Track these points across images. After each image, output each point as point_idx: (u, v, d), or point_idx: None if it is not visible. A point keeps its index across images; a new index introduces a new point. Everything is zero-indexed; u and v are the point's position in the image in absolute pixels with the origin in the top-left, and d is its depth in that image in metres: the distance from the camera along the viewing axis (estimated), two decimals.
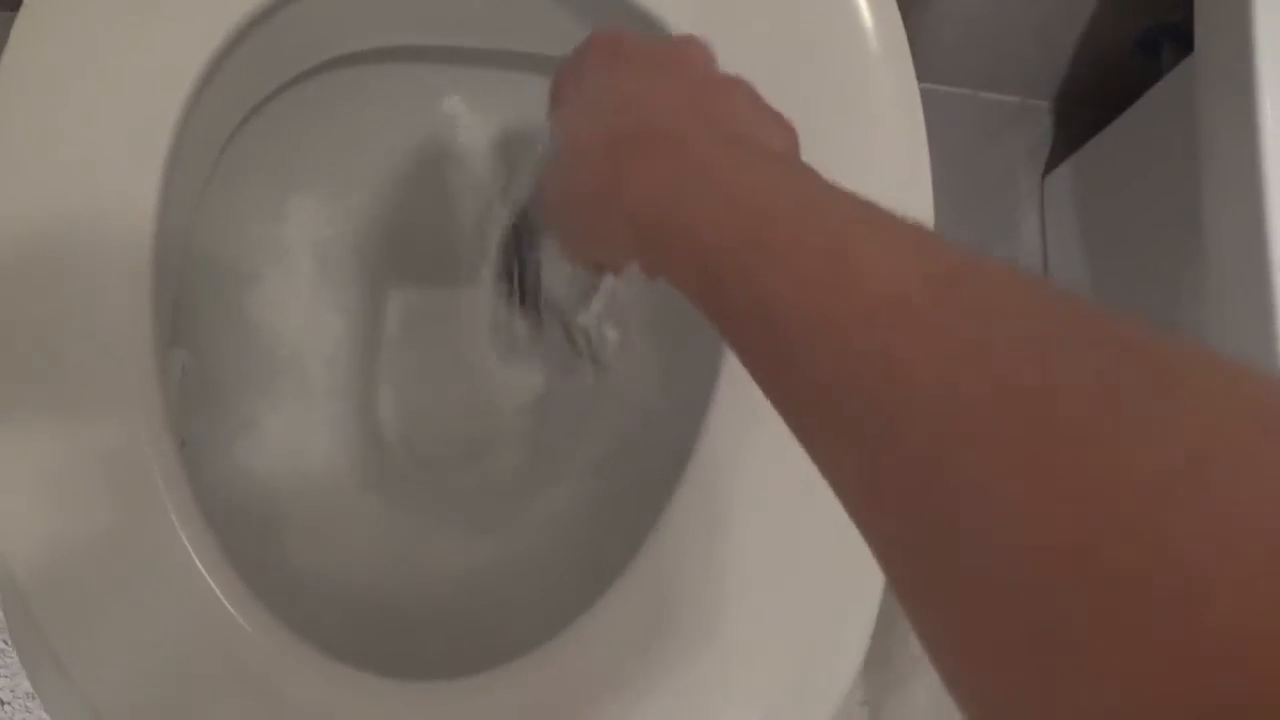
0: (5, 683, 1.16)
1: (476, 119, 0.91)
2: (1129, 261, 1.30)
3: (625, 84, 0.49)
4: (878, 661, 1.32)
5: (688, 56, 0.51)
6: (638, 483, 0.84)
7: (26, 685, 1.15)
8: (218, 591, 0.63)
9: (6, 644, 1.15)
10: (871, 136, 0.73)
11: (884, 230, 0.35)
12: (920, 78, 0.73)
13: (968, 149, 1.47)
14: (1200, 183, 1.01)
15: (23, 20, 0.67)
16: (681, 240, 0.39)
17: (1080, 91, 1.48)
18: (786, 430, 0.66)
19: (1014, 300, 0.31)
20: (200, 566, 0.63)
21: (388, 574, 0.84)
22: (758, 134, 0.46)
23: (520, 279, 0.63)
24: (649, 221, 0.41)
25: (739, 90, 0.49)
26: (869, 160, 0.72)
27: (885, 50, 0.73)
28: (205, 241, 0.80)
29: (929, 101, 0.73)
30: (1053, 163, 1.49)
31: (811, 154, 0.71)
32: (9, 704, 1.15)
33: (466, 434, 0.93)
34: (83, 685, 0.62)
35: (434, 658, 0.75)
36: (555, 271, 0.61)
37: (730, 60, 0.70)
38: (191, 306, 0.78)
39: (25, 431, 0.63)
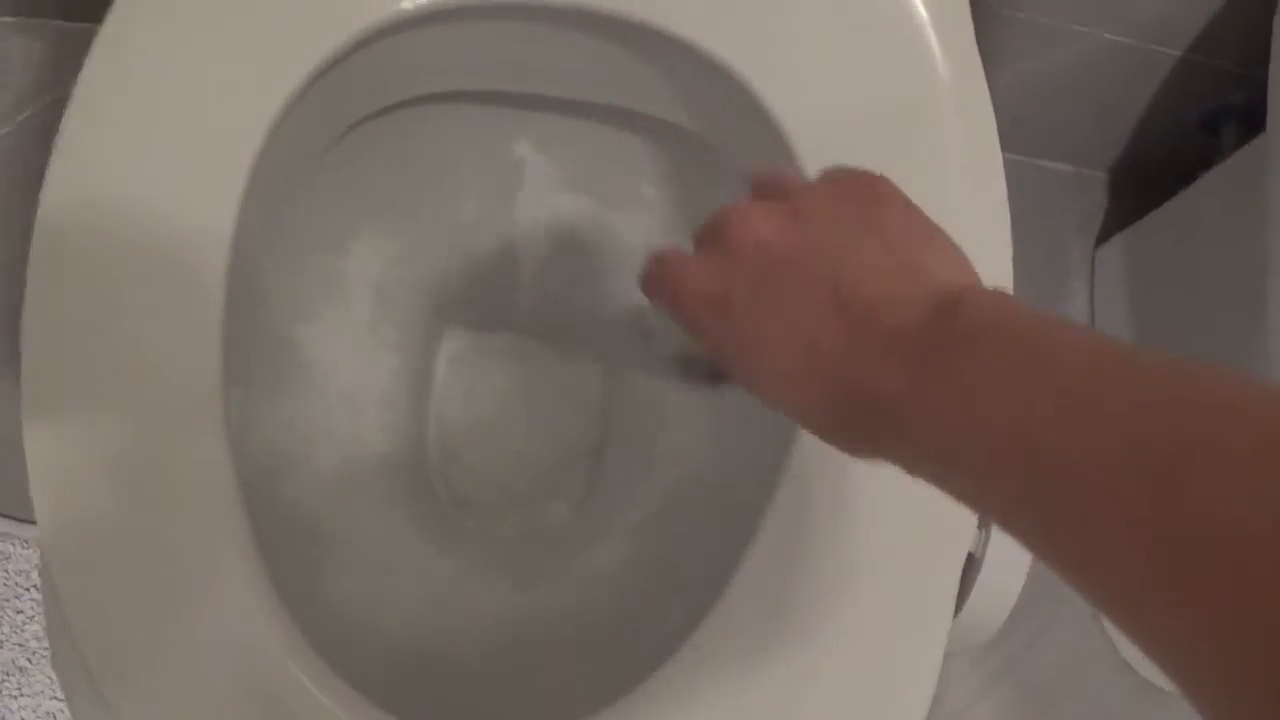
0: (29, 702, 1.15)
1: (545, 164, 0.90)
2: (1181, 339, 1.29)
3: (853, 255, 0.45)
4: None
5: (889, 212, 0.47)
6: (686, 546, 0.84)
7: (48, 705, 1.15)
8: (267, 631, 0.62)
9: (30, 663, 1.15)
10: (954, 204, 0.72)
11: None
12: None
13: (1022, 216, 1.43)
14: (1268, 267, 1.00)
15: (102, 43, 0.67)
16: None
17: (1137, 165, 1.47)
18: (855, 509, 0.66)
19: None
20: (251, 604, 0.62)
21: (431, 620, 0.84)
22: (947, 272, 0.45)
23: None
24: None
25: (924, 225, 0.47)
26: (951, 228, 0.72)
27: (967, 111, 0.73)
28: (268, 273, 0.79)
29: None
30: (1105, 234, 1.48)
31: None
32: None
33: (516, 484, 0.92)
34: (123, 716, 0.61)
35: (471, 711, 0.74)
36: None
37: (806, 121, 0.69)
38: (249, 337, 0.77)
39: (84, 455, 0.63)
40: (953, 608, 0.67)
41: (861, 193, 0.48)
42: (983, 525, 0.68)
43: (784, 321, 0.45)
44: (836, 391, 0.43)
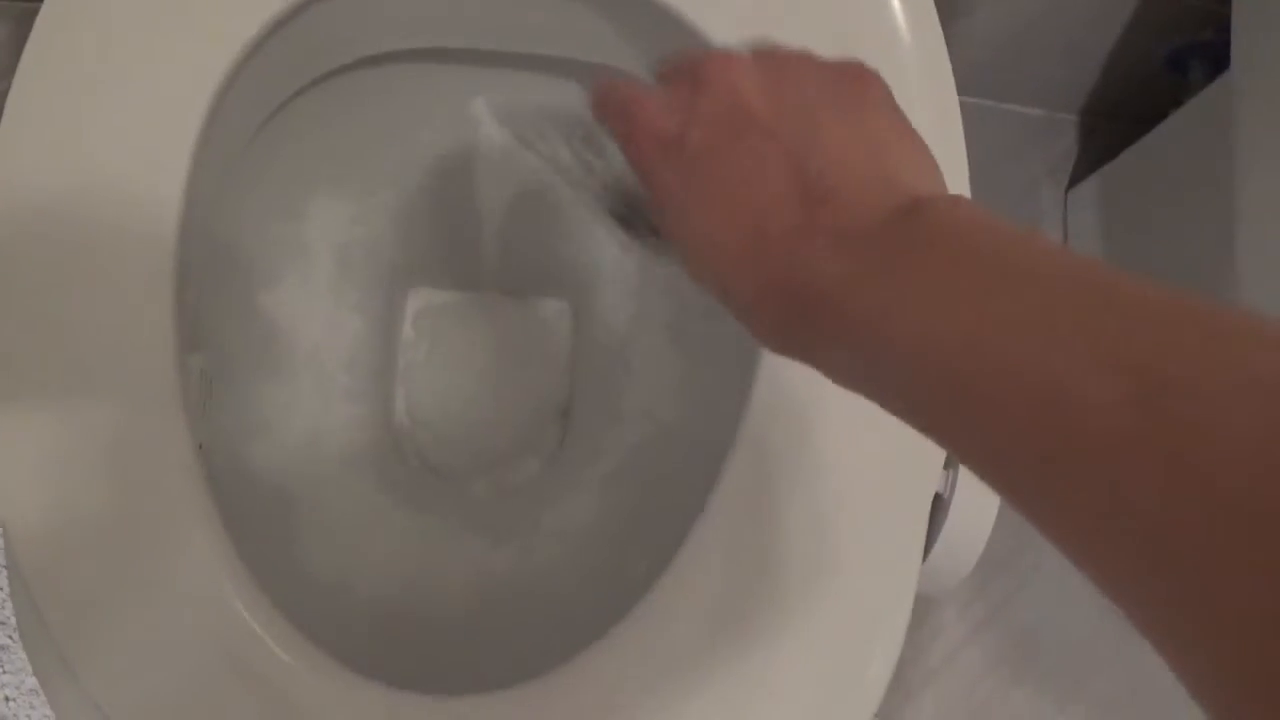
0: (10, 679, 1.15)
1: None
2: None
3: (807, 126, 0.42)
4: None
5: (870, 91, 0.44)
6: (655, 496, 0.83)
7: (31, 682, 1.14)
8: (232, 595, 0.62)
9: (13, 640, 1.14)
10: None
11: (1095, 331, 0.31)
12: None
13: (992, 161, 1.46)
14: (1234, 203, 1.00)
15: (46, 16, 0.66)
16: (906, 355, 0.35)
17: (1106, 106, 1.47)
18: (818, 452, 0.65)
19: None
20: (215, 570, 0.62)
21: (402, 580, 0.83)
22: (917, 180, 0.41)
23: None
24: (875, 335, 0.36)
25: (904, 130, 0.44)
26: None
27: (924, 62, 0.72)
28: (225, 240, 0.79)
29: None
30: (1077, 177, 1.48)
31: None
32: (14, 700, 1.14)
33: (486, 444, 0.92)
34: (90, 686, 0.61)
35: (446, 668, 0.74)
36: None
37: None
38: (210, 306, 0.77)
39: (42, 433, 0.62)
40: (921, 550, 0.67)
41: (853, 82, 0.44)
42: (949, 465, 0.68)
43: (736, 186, 0.42)
44: (776, 276, 0.39)
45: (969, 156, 1.30)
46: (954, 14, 1.26)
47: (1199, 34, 1.25)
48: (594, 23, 0.77)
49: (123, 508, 0.62)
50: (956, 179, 0.72)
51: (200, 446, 0.68)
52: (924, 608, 1.35)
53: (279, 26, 0.69)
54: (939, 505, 0.68)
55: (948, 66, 0.73)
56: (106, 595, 0.62)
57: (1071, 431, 0.30)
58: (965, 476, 0.68)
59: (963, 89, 1.39)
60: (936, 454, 0.66)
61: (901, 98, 0.45)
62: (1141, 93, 1.37)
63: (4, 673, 1.15)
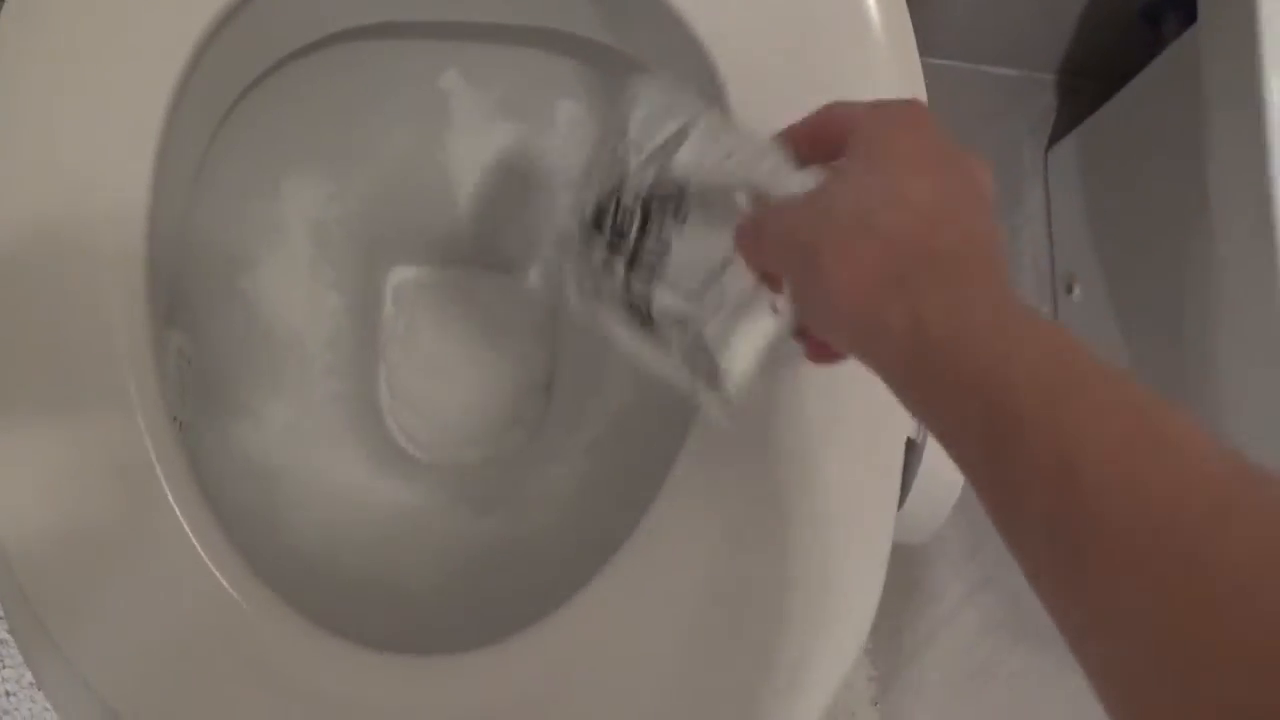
0: (11, 674, 1.15)
1: (474, 94, 0.90)
2: (1134, 233, 1.29)
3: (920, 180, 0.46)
4: (889, 634, 1.32)
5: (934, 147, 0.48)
6: (638, 460, 0.84)
7: (30, 676, 1.15)
8: (215, 570, 0.62)
9: (11, 635, 1.15)
10: None
11: (1182, 414, 0.37)
12: (923, 52, 0.73)
13: (972, 123, 1.47)
14: (1205, 153, 1.01)
15: (8, 9, 0.67)
16: (973, 367, 0.40)
17: (1084, 64, 1.47)
18: (791, 403, 0.66)
19: None
20: (197, 546, 0.63)
21: (389, 552, 0.84)
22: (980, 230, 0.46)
23: (637, 245, 0.55)
24: (938, 336, 0.41)
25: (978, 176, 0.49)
26: None
27: (888, 27, 0.72)
28: (202, 222, 0.79)
29: (932, 76, 0.73)
30: (1057, 135, 1.48)
31: None
32: (14, 695, 1.15)
33: (466, 414, 0.92)
34: (81, 668, 0.62)
35: (436, 635, 0.74)
36: (690, 258, 0.54)
37: (730, 39, 0.69)
38: (189, 288, 0.77)
39: (19, 416, 0.63)
40: (897, 495, 0.67)
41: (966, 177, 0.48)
42: None
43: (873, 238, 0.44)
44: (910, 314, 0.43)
45: (951, 119, 1.30)
46: None
47: None
48: None
49: (102, 489, 0.63)
50: None
51: (178, 421, 0.68)
52: (919, 572, 1.35)
53: (243, 3, 0.70)
54: (912, 450, 0.68)
55: (911, 35, 0.73)
56: (92, 578, 0.63)
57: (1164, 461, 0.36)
58: None
59: (941, 52, 1.41)
60: None
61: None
62: (1118, 48, 1.37)
63: (4, 667, 1.15)
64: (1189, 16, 1.11)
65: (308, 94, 0.86)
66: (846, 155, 0.48)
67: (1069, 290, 1.40)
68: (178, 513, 0.63)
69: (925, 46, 0.73)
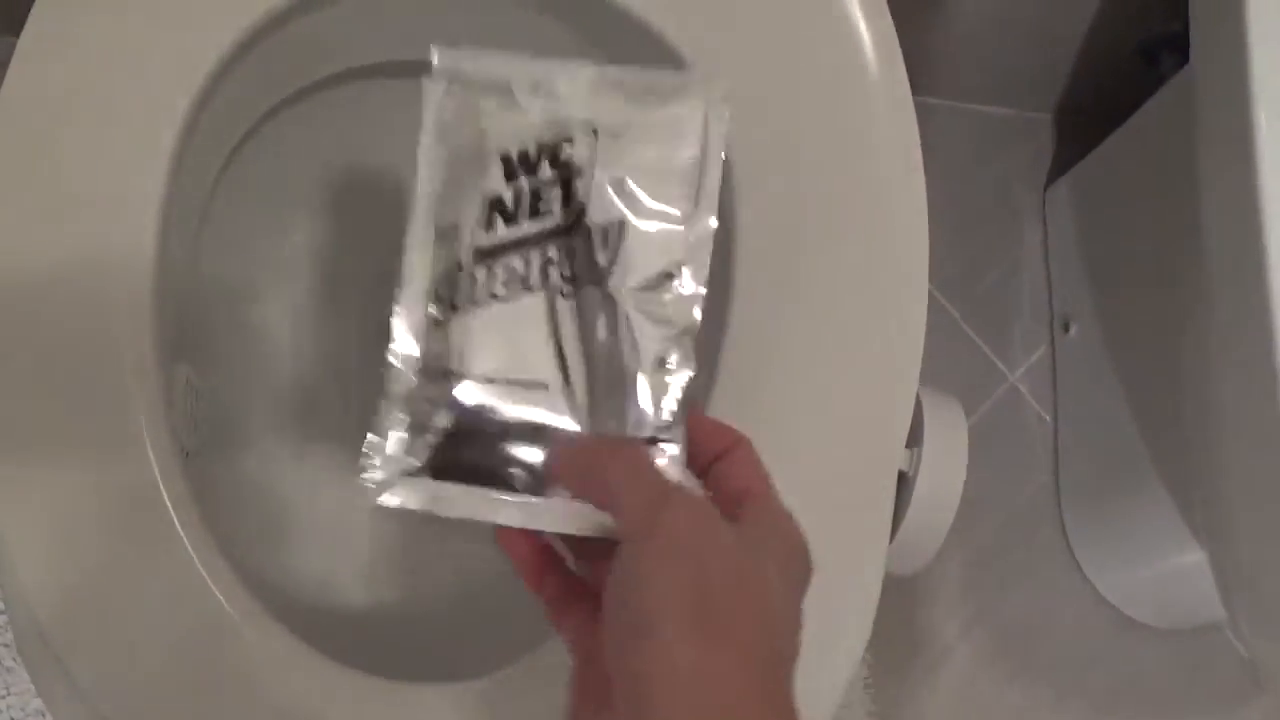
0: (15, 701, 1.16)
1: None
2: (1131, 271, 1.31)
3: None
4: (886, 673, 1.33)
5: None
6: None
7: (36, 703, 1.16)
8: (221, 599, 0.63)
9: (16, 662, 1.16)
10: (867, 159, 0.74)
11: None
12: (920, 92, 0.74)
13: (969, 163, 1.48)
14: (1198, 191, 1.02)
15: (23, 46, 0.68)
16: None
17: (1080, 103, 1.49)
18: (781, 437, 0.67)
19: None
20: (205, 575, 0.63)
21: (390, 580, 0.85)
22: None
23: None
24: None
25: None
26: (864, 184, 0.73)
27: (882, 67, 0.74)
28: (209, 257, 0.81)
29: (929, 116, 0.74)
30: (1054, 175, 1.50)
31: (806, 179, 0.72)
32: None
33: None
34: (90, 694, 0.63)
35: (445, 663, 0.75)
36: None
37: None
38: (197, 321, 0.79)
39: (30, 448, 0.64)
40: (889, 529, 0.68)
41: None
42: (912, 444, 0.69)
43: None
44: None
45: (949, 159, 1.32)
46: (926, 17, 1.28)
47: (1168, 25, 1.26)
48: (573, 38, 0.79)
49: (111, 518, 0.64)
50: (914, 193, 0.73)
51: (186, 452, 0.70)
52: (913, 611, 1.36)
53: (252, 43, 0.71)
54: (904, 483, 0.69)
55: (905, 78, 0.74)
56: (97, 599, 0.64)
57: None
58: (929, 453, 0.69)
59: (938, 92, 1.43)
60: (899, 433, 0.68)
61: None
62: (1114, 87, 1.39)
63: (9, 694, 1.16)
64: (1185, 55, 1.12)
65: (314, 132, 0.87)
66: (742, 521, 0.46)
67: (1066, 329, 1.41)
68: (185, 542, 0.64)
69: (921, 86, 0.74)
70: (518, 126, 0.51)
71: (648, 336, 0.50)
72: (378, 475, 0.50)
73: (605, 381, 0.50)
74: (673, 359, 0.50)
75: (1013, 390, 1.45)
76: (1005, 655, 1.37)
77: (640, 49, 0.74)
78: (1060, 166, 1.49)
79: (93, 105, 0.68)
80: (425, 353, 0.50)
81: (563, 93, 0.52)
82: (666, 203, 0.51)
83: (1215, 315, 1.01)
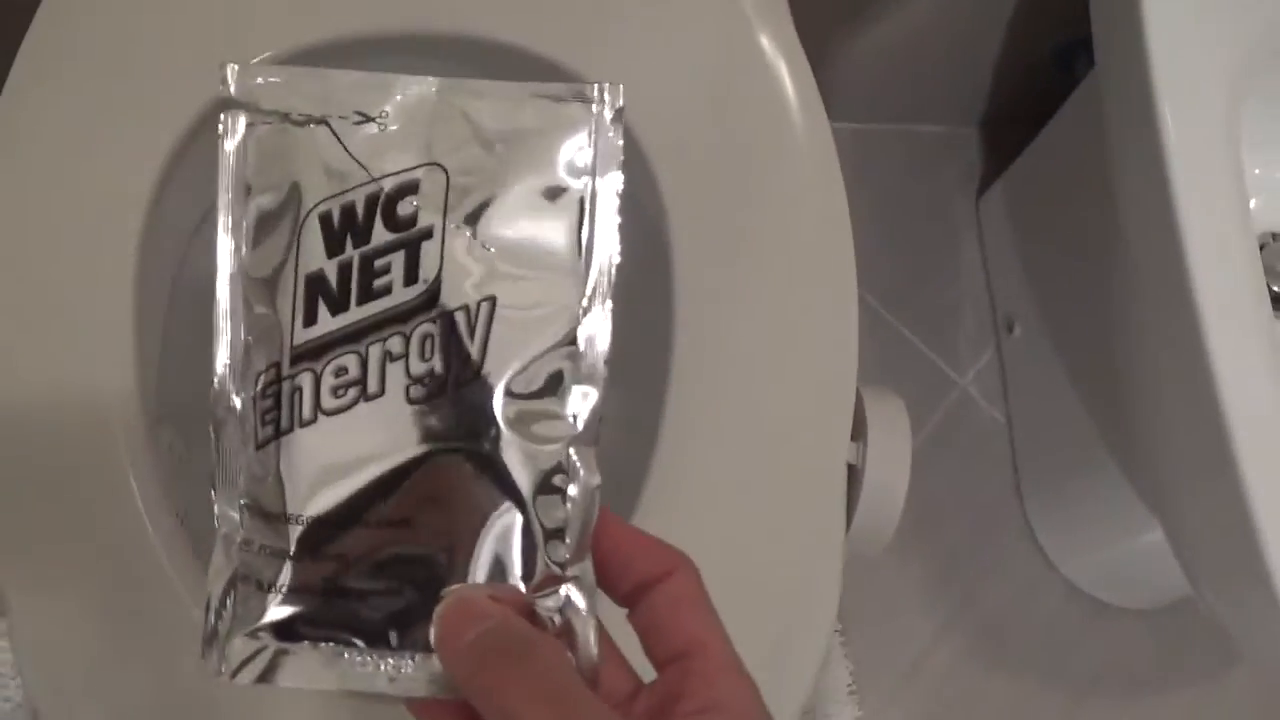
0: None
1: None
2: (1065, 269, 1.35)
3: None
4: (869, 673, 1.35)
5: None
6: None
7: None
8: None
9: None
10: (788, 171, 0.77)
11: None
12: (846, 118, 0.75)
13: (903, 181, 1.53)
14: (1114, 187, 1.06)
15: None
16: None
17: (1003, 113, 1.54)
18: (731, 443, 0.70)
19: None
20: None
21: None
22: None
23: None
24: None
25: None
26: (788, 210, 0.77)
27: (800, 99, 0.77)
28: (188, 305, 0.82)
29: (860, 140, 0.76)
30: (985, 184, 1.55)
31: (729, 196, 0.74)
32: None
33: None
34: None
35: None
36: None
37: (639, 114, 0.72)
38: (174, 380, 0.81)
39: (32, 531, 0.67)
40: (844, 520, 0.71)
41: None
42: (857, 436, 0.73)
43: None
44: None
45: (881, 180, 1.36)
46: (845, 45, 1.31)
47: (1079, 30, 1.30)
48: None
49: (112, 589, 0.67)
50: (837, 214, 0.76)
51: (179, 518, 0.72)
52: (891, 610, 1.39)
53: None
54: (854, 475, 0.73)
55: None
56: (103, 670, 0.66)
57: None
58: (874, 444, 0.73)
59: (865, 116, 1.47)
60: (843, 427, 0.72)
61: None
62: (1034, 95, 1.43)
63: None
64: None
65: None
66: (683, 696, 0.38)
67: (1010, 330, 1.46)
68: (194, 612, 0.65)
69: (849, 112, 0.76)
70: (341, 173, 0.39)
71: (527, 459, 0.39)
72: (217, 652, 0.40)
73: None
74: (573, 470, 0.40)
75: (964, 395, 1.49)
76: (984, 650, 1.40)
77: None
78: (990, 176, 1.54)
79: (62, 164, 0.72)
80: (249, 487, 0.40)
81: (398, 123, 0.40)
82: (546, 268, 0.40)
83: (1140, 304, 1.05)
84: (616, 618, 0.41)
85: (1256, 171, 1.10)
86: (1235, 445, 0.85)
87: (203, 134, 0.74)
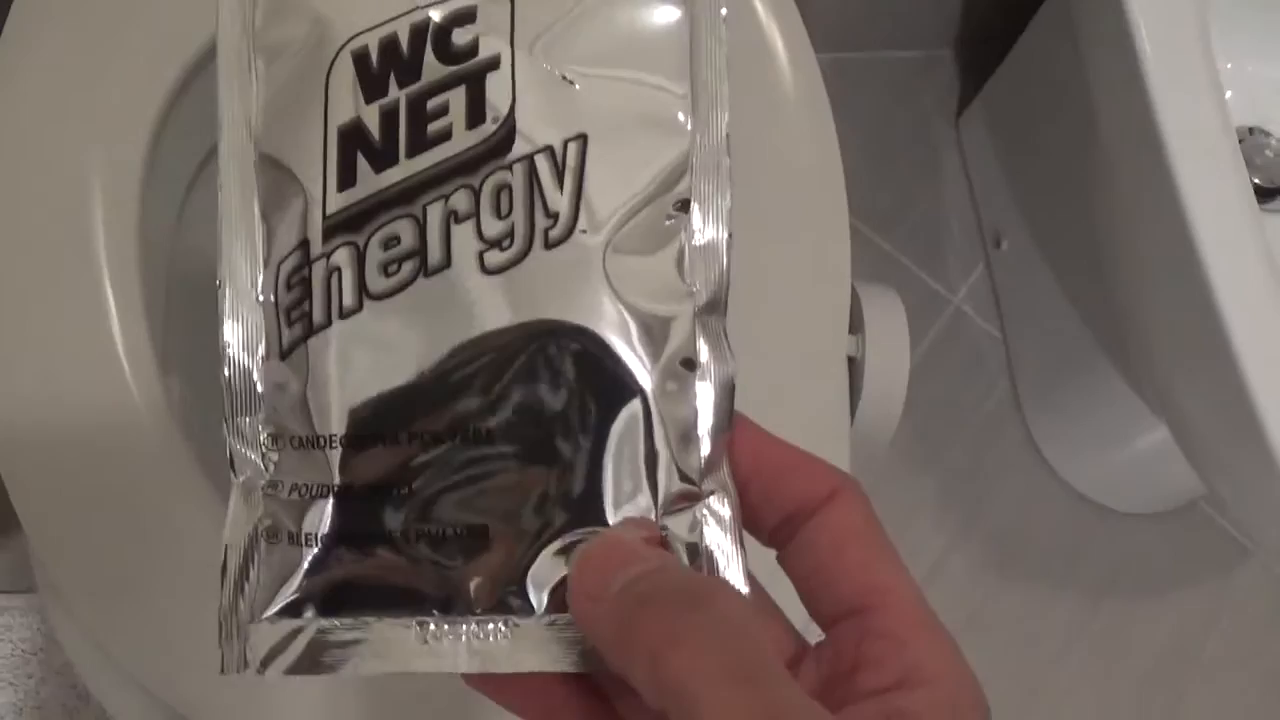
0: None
1: None
2: (1047, 180, 1.36)
3: None
4: None
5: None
6: None
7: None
8: None
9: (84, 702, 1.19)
10: (777, 119, 0.77)
11: None
12: (826, 49, 0.75)
13: (882, 108, 1.54)
14: (1090, 94, 1.07)
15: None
16: None
17: (977, 33, 1.55)
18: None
19: None
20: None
21: None
22: None
23: None
24: None
25: None
26: (778, 142, 0.77)
27: (783, 30, 0.77)
28: (187, 263, 0.83)
29: (839, 70, 0.75)
30: (963, 105, 1.56)
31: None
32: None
33: None
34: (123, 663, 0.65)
35: None
36: None
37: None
38: (180, 329, 0.81)
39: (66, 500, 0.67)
40: (848, 411, 0.73)
41: None
42: (855, 329, 0.74)
43: None
44: None
45: (862, 108, 1.36)
46: None
47: None
48: None
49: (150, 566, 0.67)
50: (828, 146, 0.76)
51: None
52: (899, 530, 1.40)
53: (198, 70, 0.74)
54: (854, 368, 0.74)
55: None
56: (129, 578, 0.66)
57: None
58: (872, 335, 0.74)
59: (843, 46, 1.49)
60: (840, 320, 0.73)
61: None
62: (1007, 11, 1.44)
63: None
64: None
65: None
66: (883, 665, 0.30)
67: (998, 244, 1.47)
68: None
69: (827, 43, 0.76)
70: (376, 1, 0.32)
71: (644, 335, 0.31)
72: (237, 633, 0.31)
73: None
74: (701, 352, 0.32)
75: (958, 312, 1.50)
76: (995, 562, 1.41)
77: None
78: (968, 96, 1.55)
79: (62, 120, 0.71)
80: (272, 411, 0.32)
81: None
82: (644, 82, 0.32)
83: (1122, 208, 1.06)
84: (761, 562, 0.32)
85: (1229, 66, 1.11)
86: (1230, 331, 0.86)
87: (202, 72, 0.74)
